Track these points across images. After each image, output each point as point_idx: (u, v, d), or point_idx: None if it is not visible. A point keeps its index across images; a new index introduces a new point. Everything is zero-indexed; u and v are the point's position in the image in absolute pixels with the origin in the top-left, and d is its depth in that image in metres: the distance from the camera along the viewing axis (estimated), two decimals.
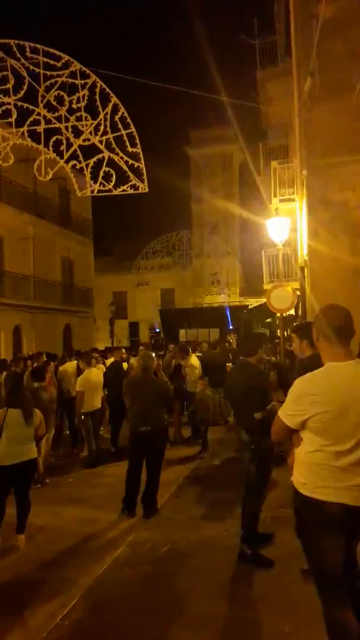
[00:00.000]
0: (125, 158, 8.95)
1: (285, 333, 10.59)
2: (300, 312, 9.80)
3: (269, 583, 4.01)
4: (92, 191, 9.32)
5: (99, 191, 9.23)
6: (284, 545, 4.43)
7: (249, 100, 14.22)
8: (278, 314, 10.24)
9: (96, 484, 6.99)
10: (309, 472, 2.63)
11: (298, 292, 9.91)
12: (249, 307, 27.45)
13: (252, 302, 28.39)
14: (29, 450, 5.17)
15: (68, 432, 9.60)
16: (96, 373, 8.49)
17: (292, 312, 11.77)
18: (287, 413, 2.68)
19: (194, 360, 9.52)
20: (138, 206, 38.63)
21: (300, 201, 10.42)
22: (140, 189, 9.02)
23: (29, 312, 21.61)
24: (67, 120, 9.10)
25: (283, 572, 4.12)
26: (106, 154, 9.04)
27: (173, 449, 8.09)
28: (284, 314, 10.07)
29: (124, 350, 10.54)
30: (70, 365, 9.63)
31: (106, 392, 8.93)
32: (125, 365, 9.66)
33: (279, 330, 11.20)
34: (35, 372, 7.68)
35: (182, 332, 24.40)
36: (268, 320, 24.09)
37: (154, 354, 6.65)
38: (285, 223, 10.30)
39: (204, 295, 33.63)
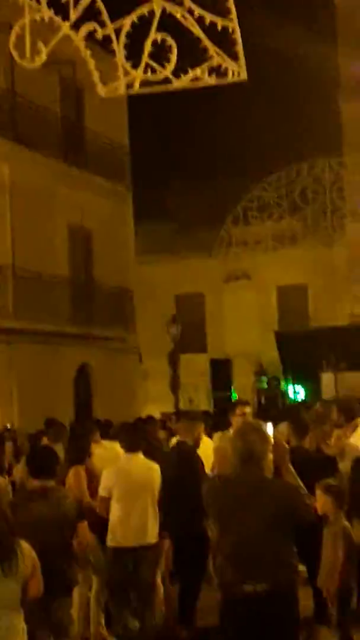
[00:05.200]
0: (199, 13, 9.02)
1: None
2: None
3: None
4: (130, 85, 9.47)
5: (144, 83, 9.36)
6: None
7: None
8: None
9: None
10: None
11: None
12: None
13: None
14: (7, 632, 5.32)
15: None
16: (142, 466, 8.67)
17: None
18: None
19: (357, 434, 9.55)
20: (221, 118, 38.60)
21: None
22: (230, 75, 9.13)
23: (4, 342, 22.42)
24: None
25: None
26: (158, 2, 9.17)
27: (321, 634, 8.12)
28: None
29: (201, 426, 10.56)
30: (108, 450, 9.98)
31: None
32: (208, 450, 9.79)
33: None
34: (35, 461, 7.85)
35: (325, 377, 24.27)
36: None
37: (268, 426, 6.65)
38: None
39: None
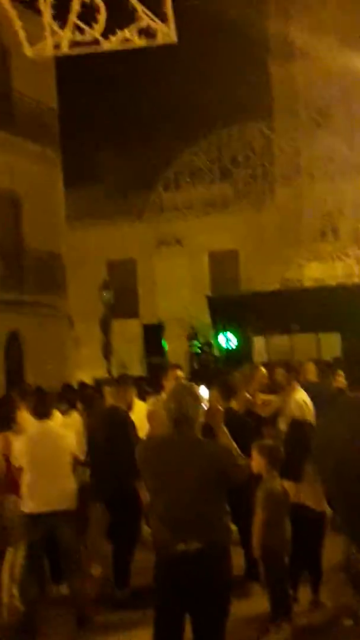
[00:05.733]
0: None
1: None
2: None
3: None
4: (58, 46, 9.39)
5: (73, 45, 9.29)
6: None
7: None
8: None
9: None
10: None
11: None
12: None
13: None
14: None
15: None
16: (51, 433, 8.67)
17: None
18: None
19: (301, 395, 9.64)
20: (152, 82, 38.47)
21: None
22: (159, 36, 9.12)
23: None
24: None
25: None
26: None
27: (253, 592, 8.25)
28: None
29: (133, 390, 10.66)
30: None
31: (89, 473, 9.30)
32: (141, 414, 9.89)
33: None
34: None
35: (257, 341, 24.53)
36: None
37: (202, 390, 6.69)
38: None
39: (303, 262, 33.51)
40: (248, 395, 10.23)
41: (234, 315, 27.51)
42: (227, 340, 27.63)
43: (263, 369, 11.16)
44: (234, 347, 27.50)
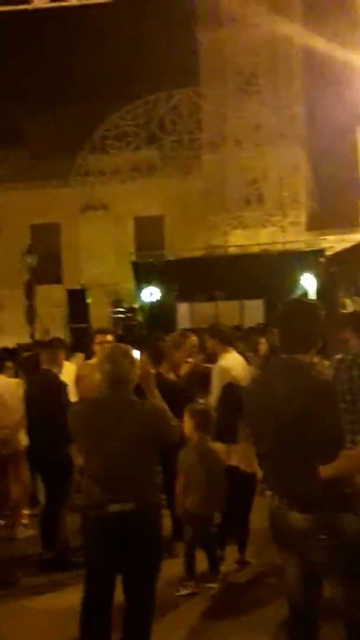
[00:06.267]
0: None
1: None
2: None
3: None
4: None
5: (3, 2, 9.30)
6: None
7: None
8: None
9: (15, 628, 7.13)
10: None
11: None
12: (327, 252, 27.57)
13: (335, 244, 28.55)
14: None
15: None
16: None
17: None
18: None
19: (233, 358, 9.71)
20: (80, 42, 37.98)
21: None
22: None
23: None
24: None
25: None
26: None
27: (179, 552, 8.23)
28: None
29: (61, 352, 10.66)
30: None
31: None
32: (69, 374, 9.91)
33: None
34: None
35: (182, 307, 24.62)
36: None
37: (135, 353, 6.74)
38: None
39: (228, 229, 33.68)
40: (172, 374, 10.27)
41: (158, 281, 27.63)
42: (151, 294, 27.82)
43: (194, 337, 11.16)
44: (157, 301, 27.68)
